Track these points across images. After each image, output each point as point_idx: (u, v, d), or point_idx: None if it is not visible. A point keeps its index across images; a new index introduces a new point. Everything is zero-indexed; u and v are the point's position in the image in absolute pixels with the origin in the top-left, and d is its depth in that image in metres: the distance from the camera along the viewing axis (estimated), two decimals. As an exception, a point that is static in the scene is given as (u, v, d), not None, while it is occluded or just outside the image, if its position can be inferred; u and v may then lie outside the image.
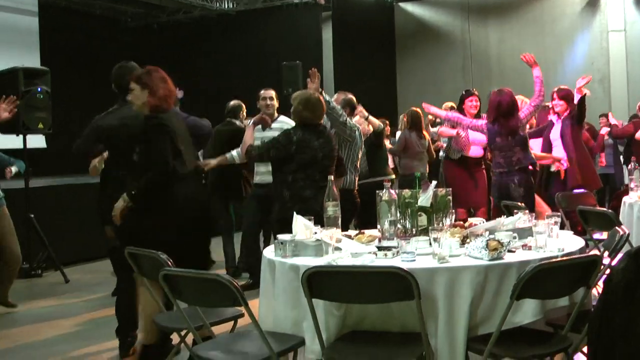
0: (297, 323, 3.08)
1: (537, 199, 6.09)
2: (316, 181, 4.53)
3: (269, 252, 3.36)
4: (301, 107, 4.70)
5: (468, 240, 3.16)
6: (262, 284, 3.35)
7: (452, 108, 7.81)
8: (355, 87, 7.70)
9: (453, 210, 3.58)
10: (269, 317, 3.23)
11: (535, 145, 6.51)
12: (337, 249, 3.17)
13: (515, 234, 3.19)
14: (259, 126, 6.47)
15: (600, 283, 3.00)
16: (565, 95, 6.67)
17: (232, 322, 3.49)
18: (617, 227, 3.53)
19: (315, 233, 3.31)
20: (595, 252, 3.62)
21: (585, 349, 2.93)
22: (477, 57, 15.76)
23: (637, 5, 14.63)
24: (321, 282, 2.77)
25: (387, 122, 9.68)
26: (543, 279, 2.72)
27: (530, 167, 5.81)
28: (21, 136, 7.60)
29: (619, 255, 2.96)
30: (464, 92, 7.33)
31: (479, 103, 7.05)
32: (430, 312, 2.83)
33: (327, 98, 5.34)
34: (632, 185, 5.86)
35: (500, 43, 15.60)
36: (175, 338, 4.20)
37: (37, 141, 9.56)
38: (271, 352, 2.81)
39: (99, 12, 14.35)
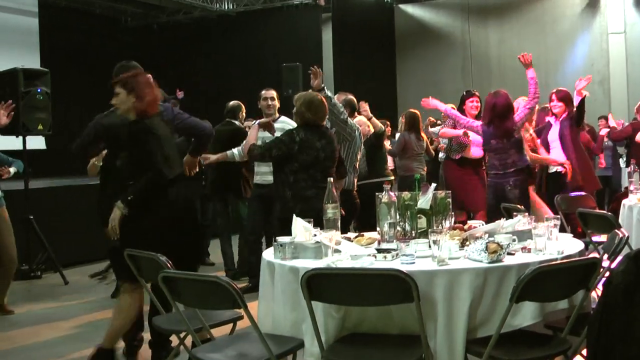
0: (296, 325, 3.08)
1: (538, 200, 6.07)
2: (318, 181, 4.53)
3: (268, 254, 3.36)
4: (304, 108, 4.71)
5: (467, 243, 3.16)
6: (261, 286, 3.35)
7: (452, 109, 7.81)
8: (355, 88, 7.72)
9: (452, 213, 3.58)
10: (268, 319, 3.22)
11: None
12: (337, 251, 3.17)
13: (515, 237, 3.19)
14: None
15: (600, 286, 3.00)
16: (564, 97, 6.67)
17: (231, 325, 3.49)
18: (616, 230, 3.52)
19: (315, 235, 3.31)
20: (594, 254, 3.62)
21: (584, 352, 2.93)
22: (477, 58, 15.77)
23: (637, 7, 14.64)
24: (320, 285, 2.77)
25: (388, 123, 9.71)
26: (542, 281, 2.72)
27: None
28: (21, 137, 7.60)
29: (619, 258, 2.96)
30: (464, 93, 7.33)
31: (479, 104, 7.05)
32: (430, 314, 2.83)
33: (329, 94, 5.35)
34: (631, 187, 5.86)
35: (500, 44, 15.61)
36: (174, 339, 4.21)
37: (36, 142, 9.56)
38: (270, 355, 2.81)
39: (98, 12, 14.37)
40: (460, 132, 6.85)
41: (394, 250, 3.10)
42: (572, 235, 3.71)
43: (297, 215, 3.43)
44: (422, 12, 16.33)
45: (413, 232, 3.44)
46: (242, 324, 3.40)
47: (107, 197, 4.25)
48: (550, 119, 6.82)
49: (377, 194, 3.52)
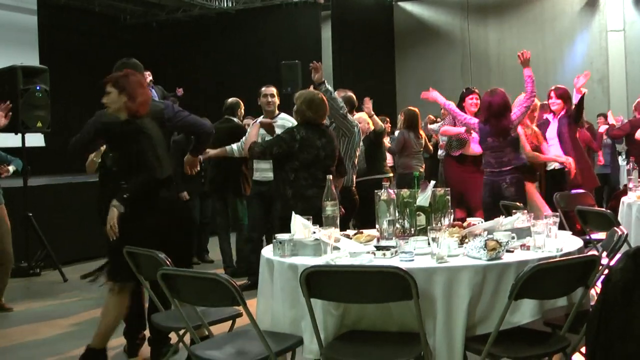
0: (295, 322, 3.08)
1: (540, 201, 6.04)
2: (319, 180, 4.53)
3: (267, 252, 3.36)
4: (304, 106, 4.71)
5: (466, 240, 3.16)
6: (260, 283, 3.35)
7: (451, 104, 7.80)
8: (355, 86, 7.69)
9: (451, 210, 3.58)
10: (267, 316, 3.22)
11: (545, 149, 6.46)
12: (336, 248, 3.17)
13: (514, 234, 3.19)
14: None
15: (599, 283, 3.00)
16: (562, 94, 6.67)
17: (230, 322, 3.49)
18: (615, 227, 3.53)
19: (314, 232, 3.31)
20: (593, 252, 3.62)
21: (583, 350, 2.93)
22: (476, 56, 15.77)
23: (636, 5, 14.64)
24: (319, 282, 2.77)
25: (388, 119, 9.72)
26: (541, 279, 2.72)
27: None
28: (20, 135, 7.60)
29: (618, 256, 2.96)
30: (464, 90, 7.33)
31: (479, 101, 7.04)
32: (429, 311, 2.83)
33: (329, 88, 5.35)
34: (630, 185, 5.86)
35: (499, 42, 15.61)
36: (173, 336, 4.21)
37: (35, 140, 9.55)
38: (269, 352, 2.81)
39: (97, 10, 14.34)
40: (461, 129, 6.85)
41: (393, 247, 3.10)
42: (570, 232, 3.71)
43: (297, 214, 3.43)
44: (421, 10, 16.32)
45: (412, 229, 3.43)
46: (242, 322, 3.40)
47: (107, 195, 4.25)
48: (548, 116, 6.82)
49: (376, 191, 3.52)
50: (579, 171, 6.38)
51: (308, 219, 3.37)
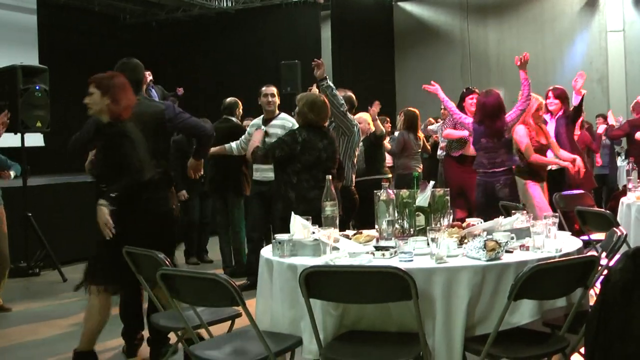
0: (294, 322, 3.08)
1: (542, 203, 6.00)
2: (320, 182, 4.54)
3: (266, 252, 3.36)
4: (306, 109, 4.73)
5: (466, 241, 3.16)
6: (259, 283, 3.35)
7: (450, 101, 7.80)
8: (354, 86, 7.70)
9: (451, 210, 3.58)
10: (266, 316, 3.22)
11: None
12: (335, 248, 3.17)
13: (513, 235, 3.19)
14: (260, 123, 6.49)
15: (598, 284, 3.00)
16: (560, 94, 6.67)
17: (229, 322, 3.49)
18: (614, 228, 3.53)
19: (313, 233, 3.31)
20: (592, 252, 3.62)
21: (582, 350, 2.93)
22: (476, 56, 15.76)
23: (636, 5, 14.64)
24: (319, 282, 2.77)
25: (388, 119, 9.72)
26: (540, 279, 2.72)
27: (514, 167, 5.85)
28: (19, 135, 7.60)
29: (617, 256, 2.96)
30: (464, 90, 7.33)
31: (479, 101, 7.04)
32: (428, 312, 2.83)
33: (331, 84, 5.36)
34: (630, 185, 5.86)
35: (499, 42, 15.60)
36: (172, 336, 4.21)
37: (35, 139, 9.55)
38: (268, 352, 2.81)
39: (97, 10, 14.33)
40: (464, 133, 6.85)
41: (392, 247, 3.10)
42: (570, 233, 3.71)
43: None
44: (421, 10, 16.32)
45: (411, 229, 3.44)
46: (241, 322, 3.40)
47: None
48: (545, 116, 6.81)
49: (375, 191, 3.52)
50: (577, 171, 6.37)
51: (307, 219, 3.37)
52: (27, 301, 6.48)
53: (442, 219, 3.48)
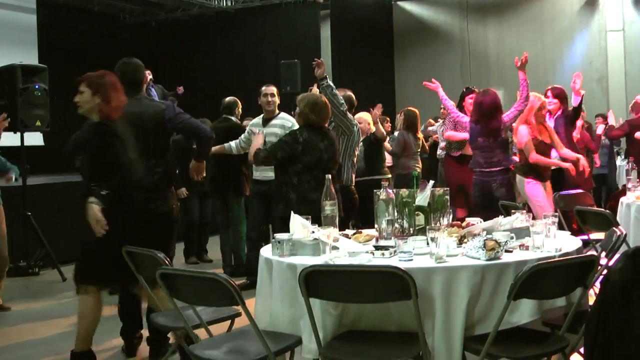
0: (294, 322, 3.08)
1: (545, 204, 5.98)
2: (321, 183, 4.54)
3: (266, 251, 3.36)
4: (308, 109, 4.73)
5: (465, 240, 3.16)
6: (259, 282, 3.35)
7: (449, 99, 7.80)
8: (354, 85, 7.70)
9: (450, 210, 3.58)
10: (266, 316, 3.22)
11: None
12: (335, 248, 3.17)
13: (513, 234, 3.19)
14: (260, 122, 6.49)
15: (598, 283, 3.00)
16: (559, 94, 6.66)
17: (229, 321, 3.49)
18: (614, 228, 3.53)
19: (313, 232, 3.31)
20: (592, 252, 3.62)
21: (582, 350, 2.93)
22: (476, 55, 15.76)
23: (636, 5, 14.64)
24: (318, 282, 2.77)
25: (388, 119, 9.72)
26: (540, 279, 2.72)
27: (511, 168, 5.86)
28: (19, 134, 7.59)
29: (616, 256, 2.96)
30: (464, 90, 7.33)
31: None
32: (428, 311, 2.83)
33: (331, 84, 5.36)
34: (629, 185, 5.86)
35: (498, 42, 15.60)
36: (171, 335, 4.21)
37: (34, 139, 9.54)
38: (268, 352, 2.81)
39: (97, 9, 14.33)
40: (466, 135, 6.84)
41: (392, 247, 3.10)
42: (569, 233, 3.71)
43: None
44: (420, 10, 16.32)
45: (411, 229, 3.43)
46: (240, 321, 3.39)
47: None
48: (543, 115, 6.80)
49: (375, 190, 3.52)
50: (576, 171, 6.36)
51: (307, 219, 3.37)
52: (26, 300, 6.48)
53: (441, 219, 3.48)
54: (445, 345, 2.84)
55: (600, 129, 9.53)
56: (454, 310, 2.84)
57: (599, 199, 10.01)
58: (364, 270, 2.83)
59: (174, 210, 4.40)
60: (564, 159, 6.07)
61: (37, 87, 7.66)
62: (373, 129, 6.90)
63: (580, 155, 6.12)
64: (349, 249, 3.14)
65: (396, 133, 8.89)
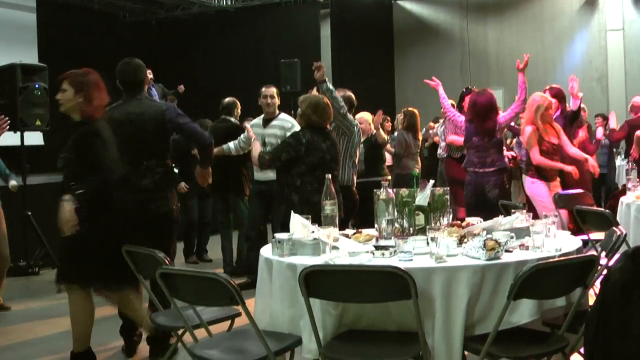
0: (294, 322, 3.09)
1: (547, 205, 5.96)
2: (323, 183, 4.54)
3: (266, 251, 3.36)
4: (310, 110, 4.74)
5: (465, 240, 3.16)
6: (259, 282, 3.35)
7: (452, 106, 7.81)
8: (354, 85, 7.71)
9: (450, 210, 3.58)
10: (266, 315, 3.22)
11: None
12: (335, 248, 3.17)
13: (513, 234, 3.19)
14: (260, 123, 6.49)
15: (598, 283, 3.00)
16: (557, 94, 6.64)
17: (229, 321, 3.49)
18: (614, 227, 3.53)
19: (313, 232, 3.31)
20: (592, 252, 3.62)
21: (582, 350, 2.93)
22: (476, 55, 15.75)
23: (636, 4, 14.64)
24: (318, 281, 2.77)
25: (389, 118, 9.71)
26: (540, 279, 2.72)
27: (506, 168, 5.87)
28: (19, 133, 7.59)
29: (616, 256, 2.96)
30: (464, 90, 7.32)
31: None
32: (428, 311, 2.84)
33: (331, 87, 5.36)
34: (629, 185, 5.86)
35: (498, 41, 15.60)
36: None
37: (34, 138, 9.54)
38: (268, 351, 2.81)
39: (97, 8, 14.33)
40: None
41: (392, 247, 3.10)
42: (569, 232, 3.71)
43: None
44: (420, 9, 16.31)
45: (411, 228, 3.43)
46: (240, 321, 3.40)
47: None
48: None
49: (375, 190, 3.52)
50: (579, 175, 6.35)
51: (307, 218, 3.37)
52: (26, 300, 6.48)
53: (441, 218, 3.48)
54: (445, 345, 2.84)
55: (599, 132, 9.50)
56: (454, 310, 2.84)
57: (599, 198, 10.00)
58: (364, 270, 2.83)
59: (174, 210, 4.39)
60: (570, 161, 6.03)
61: (37, 86, 7.66)
62: (374, 130, 6.93)
63: (588, 156, 6.11)
64: (349, 249, 3.15)
65: (396, 133, 8.89)
